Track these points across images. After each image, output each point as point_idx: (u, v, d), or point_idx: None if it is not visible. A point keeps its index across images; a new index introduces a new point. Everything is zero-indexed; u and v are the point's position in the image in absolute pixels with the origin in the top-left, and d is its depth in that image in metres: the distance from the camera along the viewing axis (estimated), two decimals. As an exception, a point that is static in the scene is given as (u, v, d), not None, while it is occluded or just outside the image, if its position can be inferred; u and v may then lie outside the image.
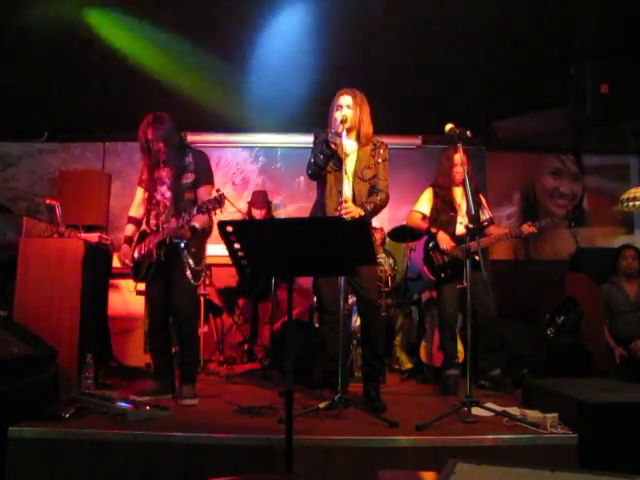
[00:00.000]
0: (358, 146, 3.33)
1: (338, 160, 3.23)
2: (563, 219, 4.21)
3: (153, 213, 3.46)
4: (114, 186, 5.90)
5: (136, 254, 3.47)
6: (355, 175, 3.29)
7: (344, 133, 3.18)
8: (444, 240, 3.91)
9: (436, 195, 4.05)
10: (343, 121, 3.17)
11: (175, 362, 3.59)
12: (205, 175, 3.46)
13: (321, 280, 3.36)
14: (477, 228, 3.37)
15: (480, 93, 5.02)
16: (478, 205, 4.02)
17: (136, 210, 3.58)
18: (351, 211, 3.12)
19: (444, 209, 4.00)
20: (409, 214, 4.19)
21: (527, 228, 3.91)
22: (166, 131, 3.37)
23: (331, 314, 3.27)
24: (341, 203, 3.11)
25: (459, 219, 3.97)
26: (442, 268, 3.95)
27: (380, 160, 3.34)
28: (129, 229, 3.55)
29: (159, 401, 3.17)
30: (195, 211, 3.11)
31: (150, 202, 3.48)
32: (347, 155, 3.28)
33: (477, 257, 3.42)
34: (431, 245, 4.03)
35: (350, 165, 3.30)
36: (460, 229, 3.93)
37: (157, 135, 3.35)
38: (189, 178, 3.41)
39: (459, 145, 3.22)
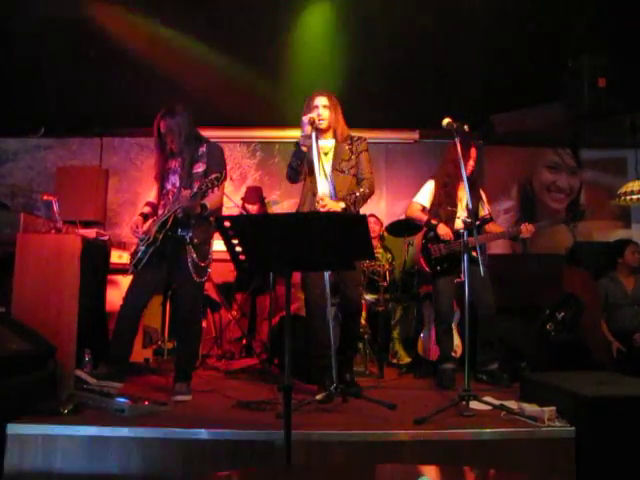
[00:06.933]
0: (335, 143, 3.47)
1: (309, 162, 3.33)
2: (561, 221, 4.22)
3: (162, 203, 3.48)
4: (111, 182, 5.89)
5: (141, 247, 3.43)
6: (334, 168, 3.40)
7: (314, 135, 3.27)
8: (445, 232, 3.89)
9: (440, 186, 4.01)
10: (312, 122, 3.26)
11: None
12: (217, 165, 3.43)
13: (308, 280, 3.38)
14: (475, 222, 3.35)
15: (478, 87, 5.01)
16: (477, 200, 4.00)
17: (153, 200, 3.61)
18: (327, 204, 3.21)
19: (445, 202, 3.96)
20: (409, 205, 4.17)
21: (526, 227, 3.81)
22: (177, 122, 3.39)
23: (318, 319, 3.30)
24: (317, 202, 3.22)
25: (459, 213, 3.92)
26: (438, 261, 3.94)
27: (360, 152, 3.46)
28: (145, 209, 3.56)
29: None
30: (196, 189, 3.13)
31: (160, 193, 3.51)
32: (325, 153, 3.42)
33: (474, 253, 3.42)
34: (429, 236, 4.01)
35: (328, 160, 3.42)
36: (459, 223, 3.90)
37: (169, 126, 3.38)
38: (200, 167, 3.41)
39: (457, 139, 3.22)
